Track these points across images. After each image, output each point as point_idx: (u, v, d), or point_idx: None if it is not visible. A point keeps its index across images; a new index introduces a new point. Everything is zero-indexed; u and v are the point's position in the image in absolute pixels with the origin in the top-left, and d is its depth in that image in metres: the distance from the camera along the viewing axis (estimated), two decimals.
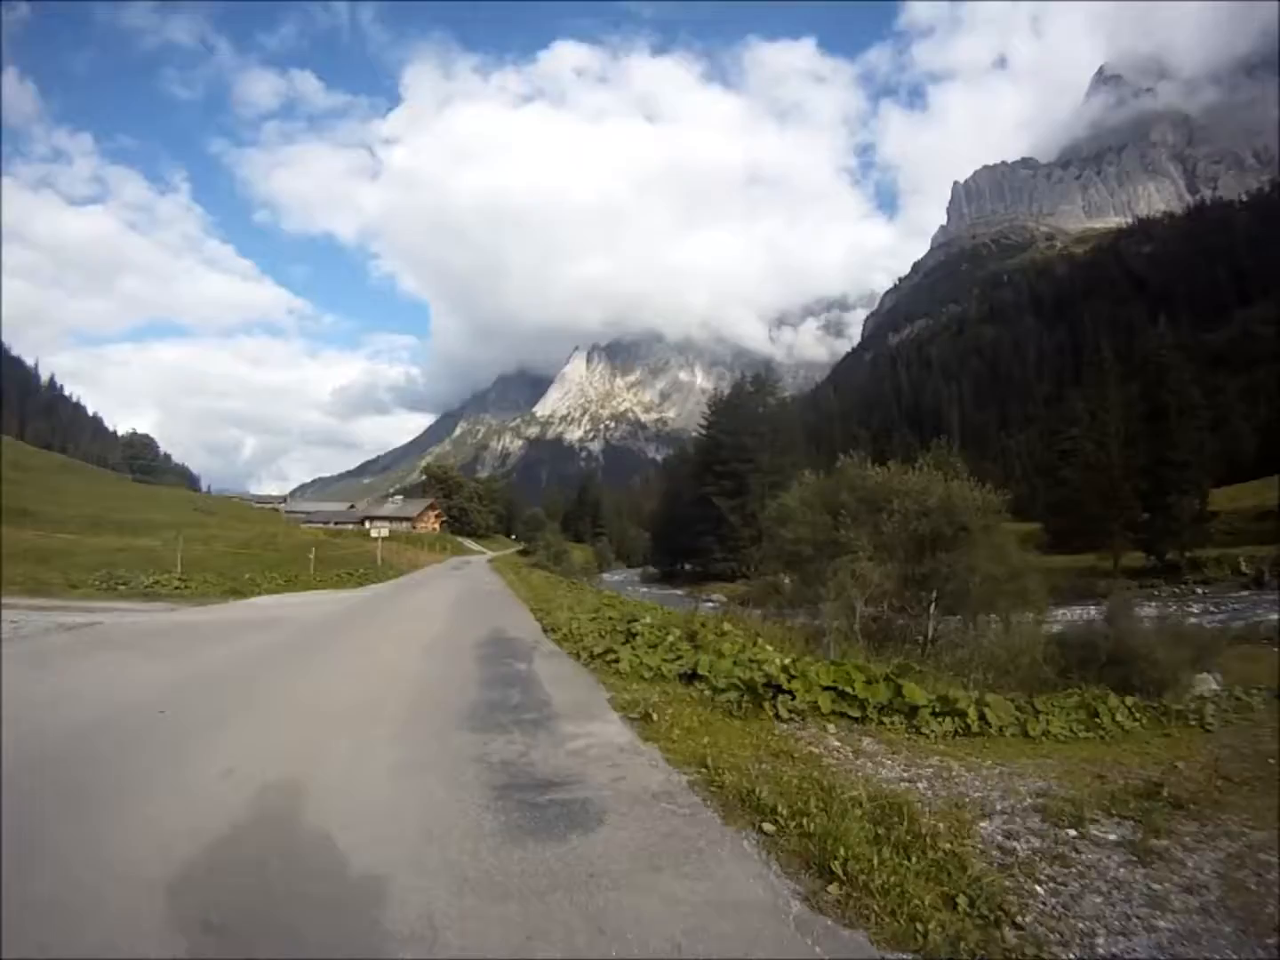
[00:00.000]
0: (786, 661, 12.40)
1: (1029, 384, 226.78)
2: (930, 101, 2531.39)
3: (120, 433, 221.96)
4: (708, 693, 11.93)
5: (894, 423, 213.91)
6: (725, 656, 13.85)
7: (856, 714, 10.90)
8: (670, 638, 16.79)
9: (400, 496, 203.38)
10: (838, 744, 9.66)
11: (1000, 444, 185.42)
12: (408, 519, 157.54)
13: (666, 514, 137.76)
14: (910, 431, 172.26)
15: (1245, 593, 65.17)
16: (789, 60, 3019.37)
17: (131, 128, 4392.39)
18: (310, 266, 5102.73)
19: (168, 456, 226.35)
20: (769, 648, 15.17)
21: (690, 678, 13.14)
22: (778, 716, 10.67)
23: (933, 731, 10.40)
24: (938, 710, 10.80)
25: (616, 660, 14.77)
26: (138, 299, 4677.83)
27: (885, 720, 10.77)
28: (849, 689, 11.20)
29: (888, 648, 22.84)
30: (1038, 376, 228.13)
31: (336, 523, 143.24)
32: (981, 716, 10.72)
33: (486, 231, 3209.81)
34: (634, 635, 17.54)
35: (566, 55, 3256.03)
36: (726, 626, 17.62)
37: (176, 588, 34.26)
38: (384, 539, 67.41)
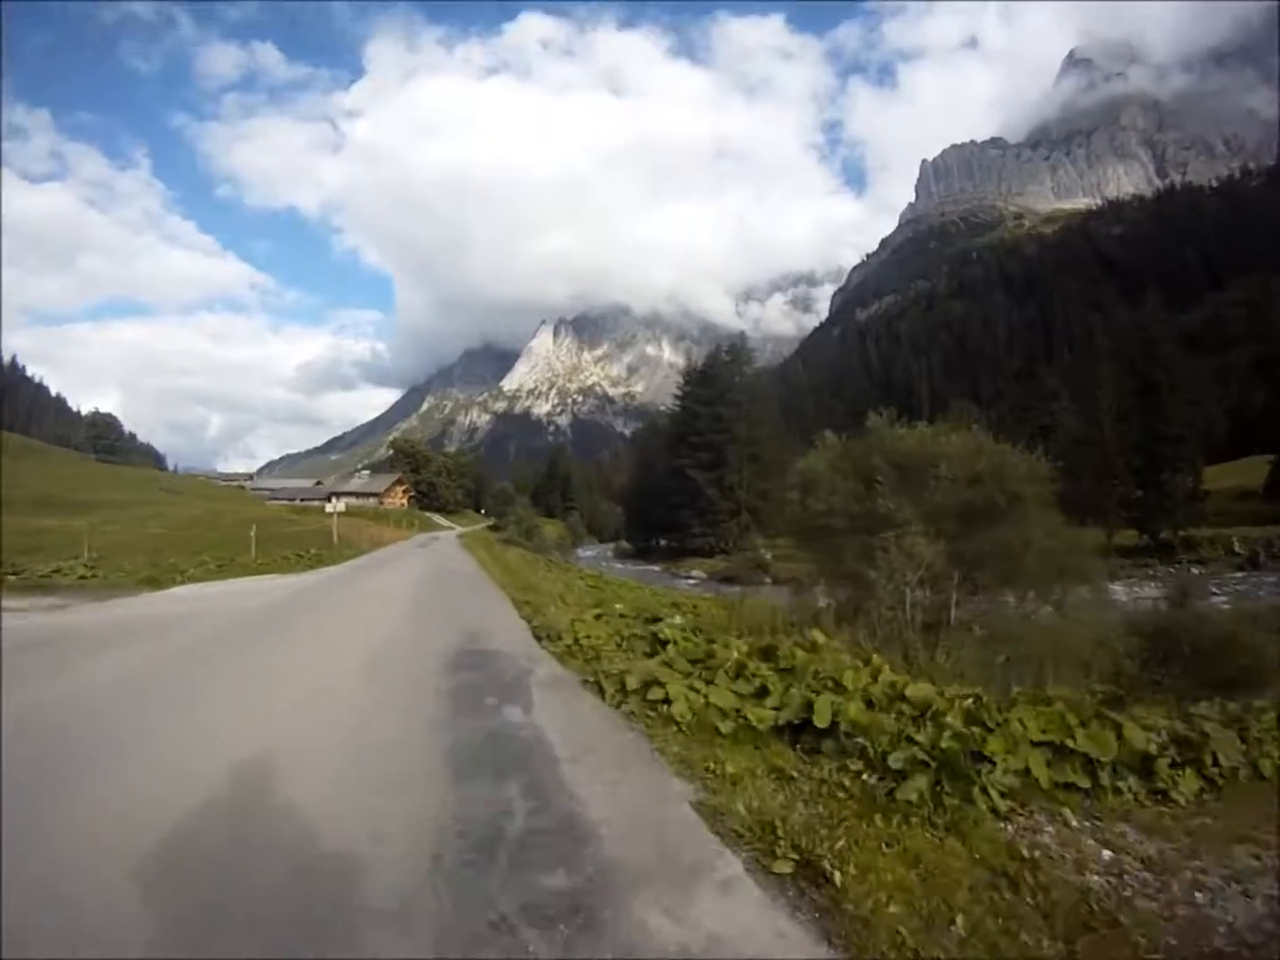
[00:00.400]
0: (966, 703, 7.48)
1: (999, 359, 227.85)
2: (900, 79, 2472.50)
3: (84, 413, 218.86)
4: (858, 768, 7.00)
5: (866, 396, 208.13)
6: (850, 692, 8.53)
7: (1086, 783, 6.89)
8: (728, 651, 10.57)
9: (367, 472, 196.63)
10: (1108, 854, 5.72)
11: (971, 417, 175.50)
12: (375, 495, 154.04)
13: (639, 488, 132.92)
14: (883, 404, 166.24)
15: (1241, 574, 62.46)
16: (757, 36, 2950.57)
17: (90, 103, 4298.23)
18: (273, 241, 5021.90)
19: (133, 436, 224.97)
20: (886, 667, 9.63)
21: (800, 730, 8.07)
22: (994, 811, 6.17)
23: (1181, 794, 6.83)
24: (1176, 760, 7.20)
25: (665, 700, 9.28)
26: (97, 277, 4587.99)
27: (1119, 785, 6.94)
28: (1068, 741, 7.04)
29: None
30: (1008, 352, 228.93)
31: (302, 499, 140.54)
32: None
33: (450, 205, 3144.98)
34: (664, 644, 12.41)
35: (532, 27, 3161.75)
36: (818, 636, 10.95)
37: (82, 576, 29.56)
38: (344, 514, 64.07)
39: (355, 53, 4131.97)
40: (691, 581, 79.80)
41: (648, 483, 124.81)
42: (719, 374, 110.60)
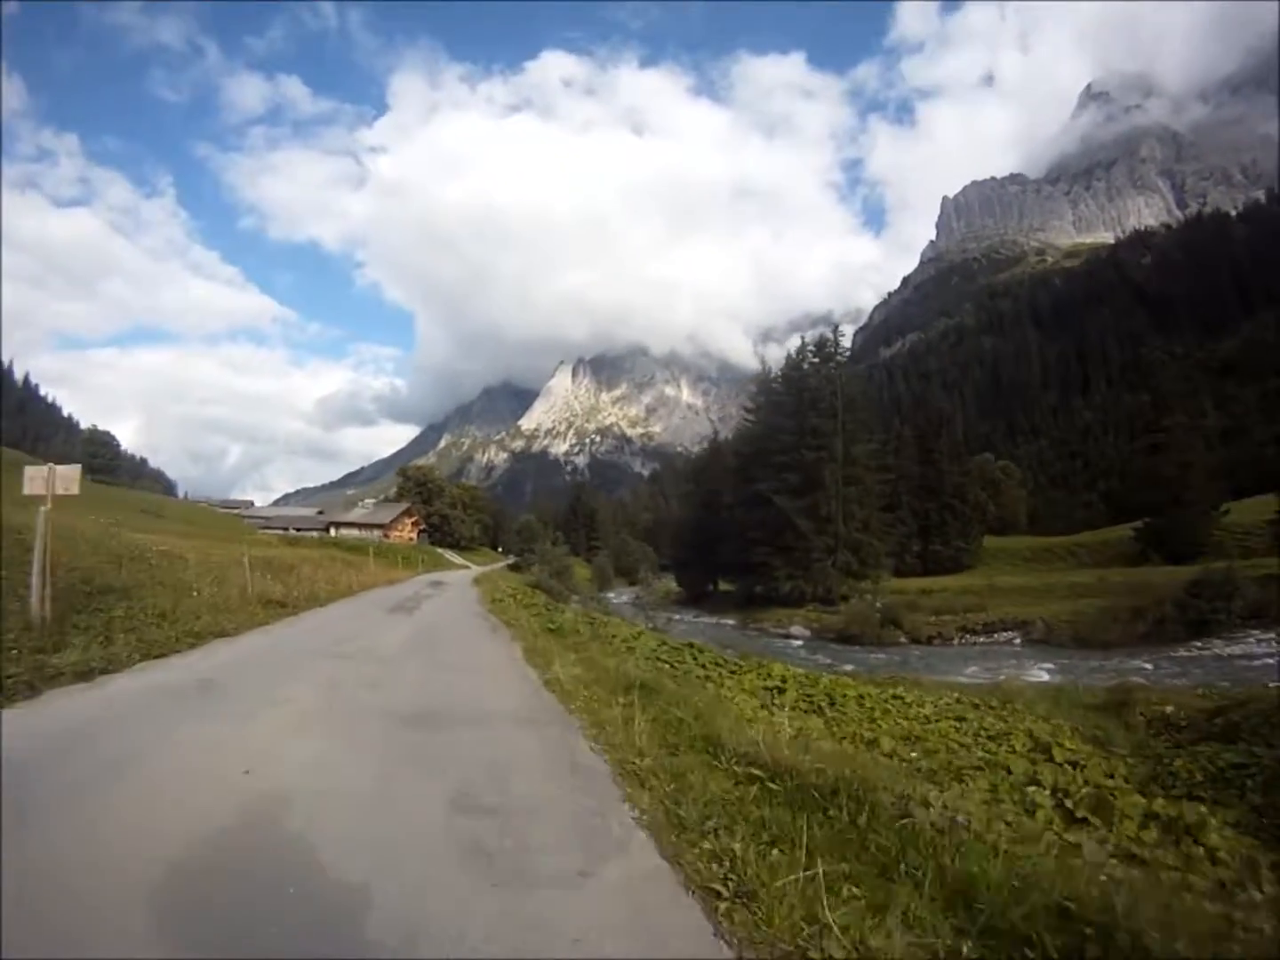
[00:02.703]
0: None
1: (1034, 393, 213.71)
2: (918, 117, 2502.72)
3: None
4: None
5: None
6: None
7: None
8: None
9: (372, 501, 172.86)
10: None
11: (1009, 453, 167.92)
12: (379, 526, 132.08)
13: (695, 523, 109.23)
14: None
15: None
16: (777, 74, 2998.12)
17: (118, 129, 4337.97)
18: (295, 274, 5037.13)
19: (144, 460, 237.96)
20: None
21: None
22: None
23: None
24: None
25: None
26: (122, 303, 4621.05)
27: None
28: None
29: None
30: (1043, 386, 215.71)
31: (298, 529, 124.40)
32: None
33: (472, 242, 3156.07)
34: None
35: (554, 66, 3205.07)
36: None
37: None
38: (312, 544, 58.96)
39: (380, 87, 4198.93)
40: (797, 642, 62.88)
41: (708, 516, 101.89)
42: (807, 375, 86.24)
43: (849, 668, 41.27)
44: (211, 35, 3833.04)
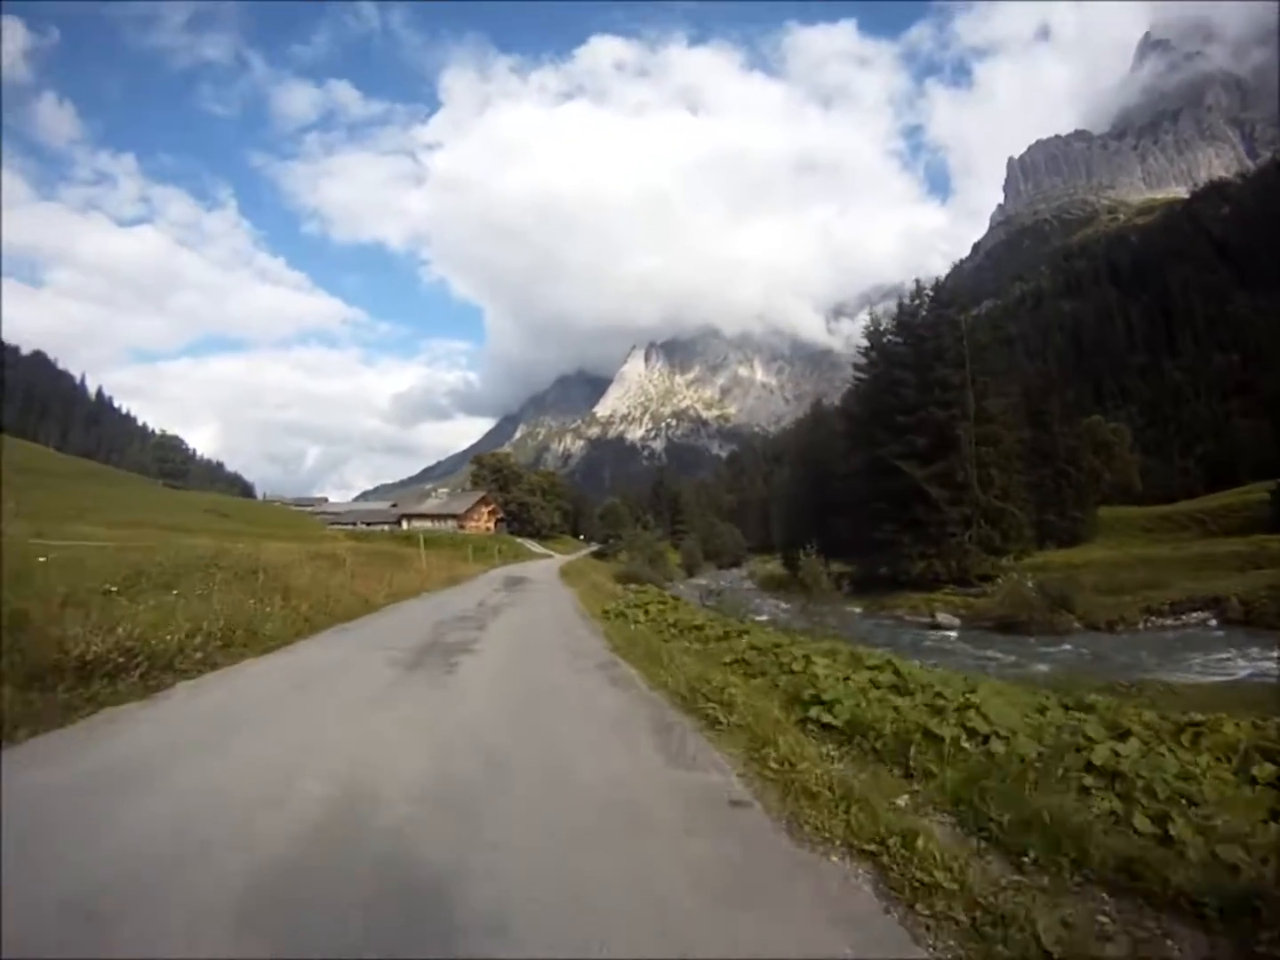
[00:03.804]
0: None
1: (1120, 356, 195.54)
2: (976, 78, 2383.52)
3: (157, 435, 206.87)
4: None
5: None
6: None
7: None
8: None
9: (445, 490, 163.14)
10: None
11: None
12: (453, 516, 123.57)
13: (801, 499, 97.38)
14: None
15: None
16: (829, 44, 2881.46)
17: (173, 146, 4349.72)
18: (362, 275, 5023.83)
19: (220, 464, 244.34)
20: None
21: None
22: None
23: None
24: None
25: None
26: (192, 314, 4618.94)
27: None
28: None
29: None
30: (1129, 347, 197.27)
31: (368, 523, 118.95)
32: None
33: (536, 232, 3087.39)
34: None
35: (604, 50, 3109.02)
36: None
37: None
38: (363, 540, 52.84)
39: (430, 85, 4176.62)
40: (950, 634, 52.10)
41: (815, 491, 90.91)
42: (933, 323, 74.53)
43: (1042, 668, 32.76)
44: (256, 47, 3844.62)
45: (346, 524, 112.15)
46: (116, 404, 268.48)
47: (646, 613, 23.91)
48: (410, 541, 64.54)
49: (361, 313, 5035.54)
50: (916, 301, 76.85)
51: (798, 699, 10.10)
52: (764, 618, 41.53)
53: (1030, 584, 56.30)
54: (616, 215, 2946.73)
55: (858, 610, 61.77)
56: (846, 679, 10.73)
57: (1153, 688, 22.96)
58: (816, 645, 17.49)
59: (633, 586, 41.91)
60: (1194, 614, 49.10)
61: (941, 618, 55.35)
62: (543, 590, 38.63)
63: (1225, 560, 58.36)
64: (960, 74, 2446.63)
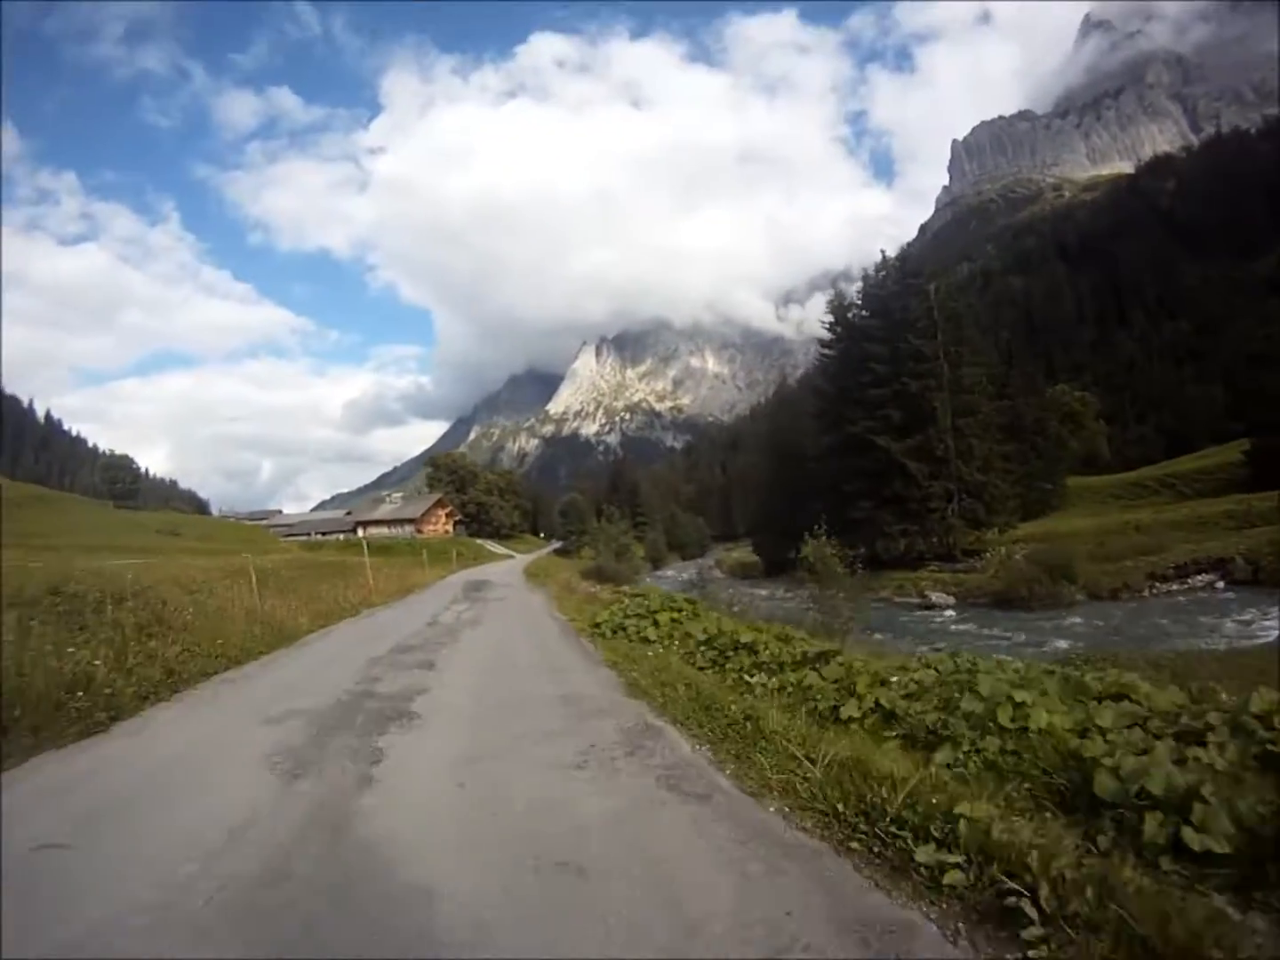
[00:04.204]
0: None
1: (1071, 330, 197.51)
2: (918, 63, 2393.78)
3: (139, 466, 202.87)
4: None
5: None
6: None
7: None
8: None
9: (400, 495, 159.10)
10: None
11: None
12: (409, 521, 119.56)
13: (770, 483, 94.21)
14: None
15: None
16: (771, 32, 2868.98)
17: (114, 162, 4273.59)
18: (309, 284, 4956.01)
19: (174, 483, 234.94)
20: None
21: None
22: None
23: None
24: None
25: None
26: (139, 332, 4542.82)
27: None
28: None
29: None
30: (1079, 321, 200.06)
31: (322, 533, 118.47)
32: None
33: (482, 232, 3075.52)
34: None
35: (544, 48, 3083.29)
36: None
37: None
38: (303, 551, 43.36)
39: (372, 89, 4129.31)
40: (946, 614, 49.01)
41: (785, 473, 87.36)
42: (901, 292, 71.45)
43: (1061, 644, 32.17)
44: (195, 57, 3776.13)
45: (300, 535, 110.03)
46: (66, 427, 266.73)
47: (656, 625, 17.84)
48: (360, 550, 61.22)
49: (310, 322, 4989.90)
50: (883, 273, 73.99)
51: None
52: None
53: (1020, 556, 54.01)
54: (563, 212, 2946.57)
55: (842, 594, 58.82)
56: None
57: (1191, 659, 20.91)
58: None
59: (625, 589, 37.88)
60: (1199, 576, 47.06)
61: (934, 597, 52.12)
62: (509, 597, 33.46)
63: (1218, 520, 57.33)
64: (902, 59, 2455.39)
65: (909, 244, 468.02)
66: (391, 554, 69.15)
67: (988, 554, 59.10)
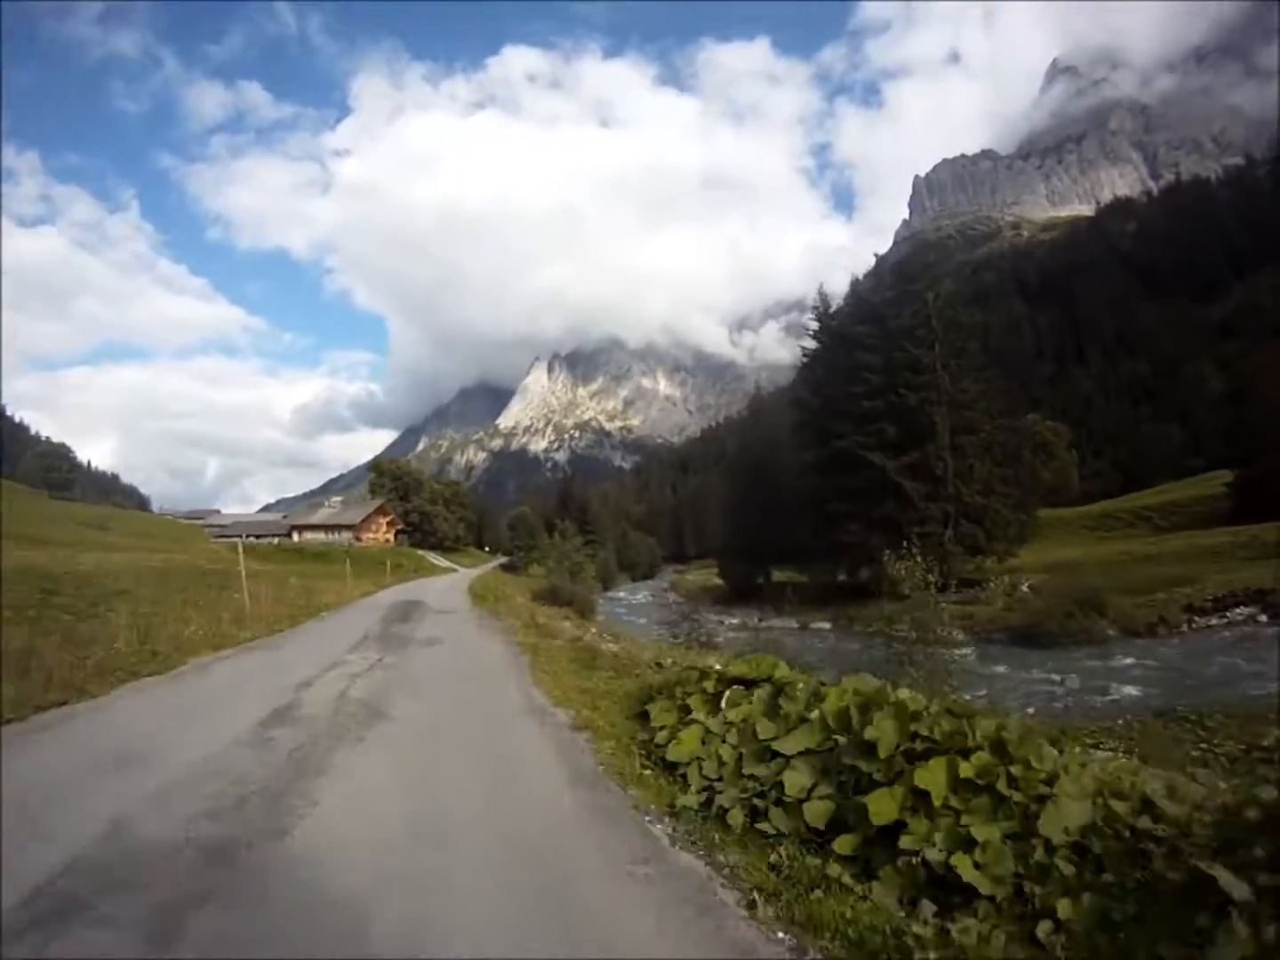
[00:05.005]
0: None
1: (1028, 364, 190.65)
2: (886, 98, 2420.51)
3: (80, 457, 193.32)
4: None
5: None
6: None
7: None
8: None
9: (339, 499, 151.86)
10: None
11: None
12: (347, 527, 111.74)
13: (740, 501, 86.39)
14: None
15: None
16: (743, 60, 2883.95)
17: (79, 144, 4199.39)
18: (265, 283, 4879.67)
19: (115, 476, 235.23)
20: None
21: None
22: None
23: None
24: None
25: None
26: (92, 321, 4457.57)
27: None
28: None
29: None
30: (1037, 356, 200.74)
31: (257, 535, 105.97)
32: None
33: (442, 242, 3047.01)
34: None
35: (517, 61, 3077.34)
36: None
37: None
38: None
39: (342, 90, 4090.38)
40: (964, 650, 36.27)
41: (756, 491, 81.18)
42: (897, 298, 66.69)
43: (1131, 691, 27.21)
44: (169, 44, 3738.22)
45: (233, 536, 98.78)
46: (9, 413, 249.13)
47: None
48: (264, 558, 55.79)
49: (263, 322, 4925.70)
50: (873, 280, 68.09)
51: None
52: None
53: (1026, 587, 50.79)
54: (525, 226, 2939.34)
55: (824, 625, 53.70)
56: None
57: None
58: None
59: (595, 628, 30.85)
60: (1238, 610, 42.44)
61: (938, 630, 45.01)
62: (448, 636, 22.27)
63: (1231, 551, 53.07)
64: (870, 94, 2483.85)
65: (865, 275, 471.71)
66: (326, 561, 65.27)
67: (991, 584, 53.70)
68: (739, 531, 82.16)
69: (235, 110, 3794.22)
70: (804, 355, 74.63)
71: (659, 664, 13.17)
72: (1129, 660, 34.67)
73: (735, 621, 51.91)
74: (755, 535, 76.12)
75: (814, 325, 72.14)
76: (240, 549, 26.43)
